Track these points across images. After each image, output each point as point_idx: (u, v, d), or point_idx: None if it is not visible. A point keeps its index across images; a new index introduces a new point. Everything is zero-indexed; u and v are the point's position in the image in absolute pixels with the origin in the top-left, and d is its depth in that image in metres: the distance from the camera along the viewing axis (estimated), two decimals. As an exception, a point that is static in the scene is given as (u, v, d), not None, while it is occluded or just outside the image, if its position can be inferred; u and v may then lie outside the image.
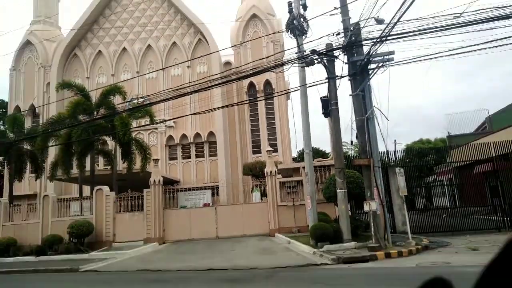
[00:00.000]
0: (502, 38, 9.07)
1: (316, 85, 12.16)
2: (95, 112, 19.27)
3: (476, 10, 9.54)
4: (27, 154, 21.61)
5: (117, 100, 20.59)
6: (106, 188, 17.49)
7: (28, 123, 28.46)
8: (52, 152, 21.83)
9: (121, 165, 20.73)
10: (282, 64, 12.97)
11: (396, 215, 13.69)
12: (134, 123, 21.23)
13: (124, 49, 29.75)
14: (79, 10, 31.58)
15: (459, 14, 9.72)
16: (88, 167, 19.49)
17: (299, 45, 12.77)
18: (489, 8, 9.31)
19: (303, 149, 13.40)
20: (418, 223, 14.33)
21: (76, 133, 17.82)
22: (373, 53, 11.11)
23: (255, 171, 22.07)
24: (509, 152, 14.56)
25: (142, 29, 29.80)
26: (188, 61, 28.06)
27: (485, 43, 9.46)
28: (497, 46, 9.32)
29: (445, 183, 18.80)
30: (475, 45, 9.64)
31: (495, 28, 9.44)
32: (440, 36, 10.11)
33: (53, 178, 20.63)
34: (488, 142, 15.47)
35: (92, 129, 17.96)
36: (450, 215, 15.19)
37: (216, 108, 17.95)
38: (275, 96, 25.59)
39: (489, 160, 14.52)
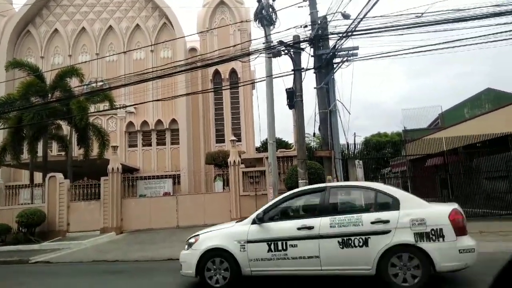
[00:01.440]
0: (460, 39, 9.51)
1: (282, 76, 12.16)
2: (50, 95, 18.17)
3: (437, 11, 9.92)
4: (-28, 136, 20.03)
5: (74, 82, 19.58)
6: (60, 175, 16.63)
7: (-27, 104, 26.33)
8: (0, 136, 20.39)
9: (77, 152, 19.81)
10: (249, 54, 12.82)
11: (354, 206, 14.16)
12: (92, 108, 20.28)
13: (83, 28, 28.21)
14: (33, -16, 29.38)
15: (420, 14, 10.06)
16: (40, 153, 18.42)
17: (267, 36, 12.68)
18: (449, 10, 9.71)
19: (266, 139, 13.45)
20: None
21: (27, 117, 16.70)
22: (339, 48, 11.25)
23: (218, 161, 21.93)
24: (458, 147, 15.47)
25: (103, 9, 28.35)
26: (151, 45, 27.12)
27: (444, 43, 9.88)
28: (455, 47, 9.78)
29: (399, 175, 19.70)
30: (434, 44, 10.05)
31: (454, 30, 9.89)
32: (402, 34, 10.44)
33: (1, 163, 19.30)
34: (440, 137, 16.34)
35: (46, 112, 16.91)
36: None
37: (180, 95, 17.50)
38: (240, 86, 25.44)
39: (440, 154, 15.33)
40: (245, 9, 28.91)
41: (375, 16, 10.67)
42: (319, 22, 11.56)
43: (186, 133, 26.03)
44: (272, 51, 12.29)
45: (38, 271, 9.93)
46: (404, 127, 26.57)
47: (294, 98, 12.08)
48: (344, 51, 11.34)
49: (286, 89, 12.23)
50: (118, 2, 28.48)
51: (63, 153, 21.38)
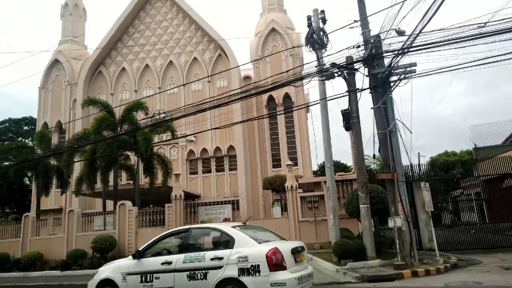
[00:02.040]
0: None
1: (336, 98, 12.01)
2: (119, 128, 19.72)
3: (502, 20, 9.28)
4: (54, 169, 22.25)
5: (139, 115, 21.05)
6: (128, 203, 17.71)
7: (55, 139, 29.42)
8: (78, 168, 22.39)
9: (143, 180, 21.01)
10: (302, 78, 12.92)
11: (422, 231, 13.21)
12: (156, 138, 21.60)
13: (147, 65, 30.56)
14: (104, 29, 32.81)
15: (483, 24, 9.48)
16: (111, 182, 19.85)
17: (319, 59, 12.72)
18: (514, 18, 9.04)
19: (323, 163, 13.21)
20: (446, 240, 13.77)
21: (100, 149, 18.25)
22: (395, 65, 10.94)
23: (275, 186, 21.91)
24: (542, 164, 13.90)
25: (164, 46, 30.57)
26: (208, 76, 28.50)
27: (510, 53, 9.17)
28: (525, 56, 9.01)
29: (472, 197, 18.07)
30: (500, 55, 9.35)
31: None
32: (464, 47, 9.87)
33: (78, 193, 21.14)
34: (518, 154, 14.84)
35: (116, 144, 18.35)
36: (479, 231, 14.53)
37: (236, 122, 18.00)
38: (294, 110, 25.53)
39: (521, 173, 13.89)
40: (296, 34, 29.37)
41: (433, 30, 10.19)
42: (372, 41, 11.37)
43: (243, 159, 26.52)
44: (325, 73, 12.26)
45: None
46: (475, 145, 24.60)
47: (350, 119, 11.85)
48: (401, 68, 10.96)
49: (341, 111, 12.05)
50: (177, 39, 30.55)
51: (131, 181, 22.83)
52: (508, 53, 9.11)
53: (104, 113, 20.00)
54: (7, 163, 24.40)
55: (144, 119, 20.09)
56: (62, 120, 30.97)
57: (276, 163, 27.57)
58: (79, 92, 30.17)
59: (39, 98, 32.36)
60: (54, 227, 21.00)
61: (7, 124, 39.92)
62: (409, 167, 14.24)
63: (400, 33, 10.66)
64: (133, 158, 23.35)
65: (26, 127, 40.27)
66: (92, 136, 19.19)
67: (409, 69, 10.87)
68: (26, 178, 31.82)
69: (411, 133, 11.04)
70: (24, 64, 36.85)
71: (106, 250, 15.98)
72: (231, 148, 27.71)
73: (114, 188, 19.67)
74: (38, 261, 16.64)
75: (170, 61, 30.23)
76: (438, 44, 10.00)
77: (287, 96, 27.85)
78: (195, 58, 29.89)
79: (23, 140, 37.71)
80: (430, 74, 10.71)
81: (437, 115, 75.47)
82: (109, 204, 20.67)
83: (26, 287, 13.04)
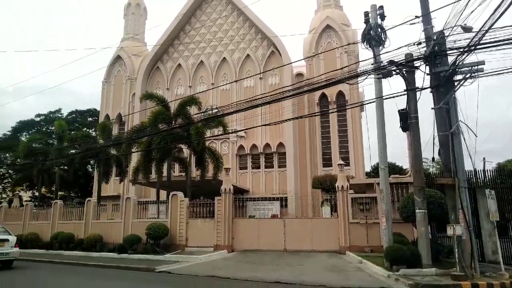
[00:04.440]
0: None
1: (393, 97, 11.51)
2: (173, 122, 20.52)
3: None
4: (113, 158, 23.72)
5: (193, 110, 21.73)
6: (180, 194, 18.39)
7: (115, 130, 31.39)
8: (135, 158, 23.67)
9: (194, 173, 21.71)
10: (357, 76, 12.53)
11: (485, 242, 12.27)
12: (207, 133, 22.20)
13: (201, 62, 31.45)
14: (163, 27, 34.24)
15: None
16: (165, 173, 20.74)
17: (376, 56, 12.25)
18: None
19: (377, 164, 12.76)
20: (512, 253, 12.69)
21: (155, 141, 19.14)
22: (460, 63, 10.25)
23: (325, 185, 21.57)
24: None
25: (218, 43, 31.24)
26: (260, 73, 28.69)
27: None
28: None
29: (545, 208, 16.41)
30: None
31: None
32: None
33: (134, 181, 22.35)
34: None
35: (170, 137, 19.11)
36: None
37: (287, 120, 17.93)
38: (348, 108, 24.88)
39: None
40: (352, 31, 28.57)
41: (504, 26, 9.39)
42: (434, 38, 10.75)
43: (292, 157, 26.40)
44: (382, 71, 11.81)
45: (162, 280, 11.03)
46: (548, 150, 22.34)
47: (408, 119, 11.33)
48: (467, 67, 10.27)
49: (398, 111, 11.54)
50: (231, 36, 31.07)
51: (183, 173, 23.69)
52: None
53: (160, 107, 20.90)
54: (74, 151, 26.47)
55: (197, 113, 20.70)
56: (122, 113, 32.92)
57: (327, 162, 27.11)
58: (138, 87, 31.86)
59: (102, 92, 34.65)
60: (113, 212, 22.44)
61: (73, 116, 43.16)
62: (473, 173, 13.29)
63: (467, 29, 9.94)
64: (185, 151, 24.20)
65: (90, 119, 43.29)
66: (149, 129, 20.15)
67: (476, 67, 10.15)
68: (89, 166, 34.22)
69: (476, 136, 10.27)
70: (89, 61, 39.56)
71: (159, 237, 16.77)
72: (280, 145, 27.71)
73: (167, 179, 20.54)
74: (98, 243, 17.88)
75: (224, 58, 30.84)
76: (510, 41, 9.21)
77: (340, 94, 27.25)
78: (248, 55, 30.21)
79: (87, 130, 40.58)
80: (500, 73, 9.92)
81: (507, 118, 69.55)
82: (162, 194, 21.61)
83: (88, 266, 14.08)
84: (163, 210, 19.11)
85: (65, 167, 28.88)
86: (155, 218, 19.04)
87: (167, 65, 32.66)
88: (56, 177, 26.65)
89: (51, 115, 41.99)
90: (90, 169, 35.18)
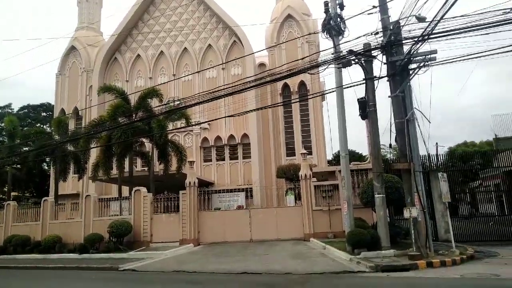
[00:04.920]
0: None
1: (352, 86, 11.78)
2: (134, 115, 19.88)
3: (529, 5, 8.86)
4: (71, 155, 22.68)
5: (154, 102, 21.15)
6: (143, 189, 17.95)
7: (72, 125, 29.96)
8: (94, 154, 22.77)
9: (158, 167, 21.25)
10: (318, 65, 12.69)
11: (438, 222, 13.03)
12: (170, 125, 21.72)
13: (162, 52, 30.58)
14: (120, 16, 32.87)
15: (509, 9, 9.09)
16: (127, 169, 20.13)
17: (336, 46, 12.46)
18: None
19: (338, 152, 13.08)
20: (462, 231, 13.57)
21: (116, 135, 18.48)
22: (414, 53, 10.64)
23: (289, 174, 21.87)
24: None
25: (179, 33, 30.49)
26: (223, 63, 28.36)
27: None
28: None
29: (491, 188, 17.66)
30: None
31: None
32: (488, 34, 9.50)
33: (94, 178, 21.52)
34: (541, 145, 14.37)
35: (131, 131, 18.52)
36: (497, 223, 14.25)
37: (250, 110, 17.91)
38: (309, 98, 25.24)
39: (543, 164, 13.47)
40: (313, 21, 28.87)
41: (455, 17, 9.83)
42: (391, 27, 11.06)
43: (257, 147, 26.49)
44: (342, 61, 12.02)
45: (127, 279, 10.75)
46: (496, 135, 23.93)
47: (366, 108, 11.64)
48: (421, 56, 10.68)
49: (358, 99, 11.84)
50: (192, 25, 30.40)
51: (146, 168, 23.11)
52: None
53: (120, 100, 20.17)
54: (27, 149, 25.02)
55: (158, 106, 20.18)
56: (78, 107, 31.43)
57: (290, 151, 27.48)
58: (95, 79, 30.49)
59: (56, 85, 32.87)
60: (72, 212, 21.55)
61: (26, 110, 40.77)
62: (427, 157, 13.99)
63: (421, 19, 10.32)
64: (148, 145, 23.60)
65: (44, 113, 41.07)
66: (108, 123, 19.41)
67: (429, 56, 10.57)
68: (45, 164, 32.57)
69: (430, 122, 10.80)
70: (43, 52, 37.26)
71: (122, 234, 16.32)
72: (245, 136, 27.70)
73: (129, 174, 19.96)
74: (57, 244, 17.10)
75: (185, 48, 30.17)
76: (460, 30, 9.66)
77: (302, 84, 27.57)
78: (209, 45, 29.74)
79: (42, 126, 38.51)
80: (451, 62, 10.38)
81: (458, 105, 73.70)
82: (125, 190, 21.01)
83: (47, 268, 13.46)
84: (126, 207, 18.58)
85: (18, 166, 27.26)
86: (117, 215, 18.48)
87: (125, 56, 31.48)
88: (8, 176, 25.10)
89: (0, 110, 39.39)
90: (46, 167, 33.49)
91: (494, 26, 9.30)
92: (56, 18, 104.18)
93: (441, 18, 9.33)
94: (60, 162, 22.28)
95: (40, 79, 76.27)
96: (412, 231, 10.05)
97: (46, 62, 35.86)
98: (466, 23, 9.59)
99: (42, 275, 12.41)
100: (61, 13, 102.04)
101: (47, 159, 27.24)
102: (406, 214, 10.25)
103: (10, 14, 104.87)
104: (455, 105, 73.00)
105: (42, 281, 11.07)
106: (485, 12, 9.38)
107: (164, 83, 27.55)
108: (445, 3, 8.93)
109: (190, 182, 17.64)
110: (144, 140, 22.08)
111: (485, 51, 9.51)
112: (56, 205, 20.19)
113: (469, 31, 9.57)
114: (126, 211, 18.26)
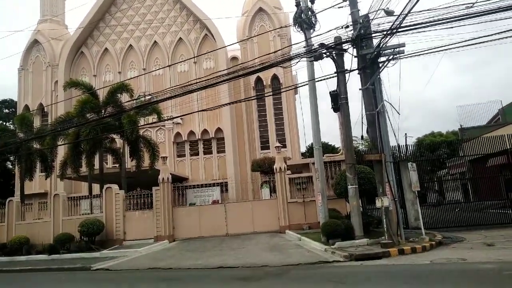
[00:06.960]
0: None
1: (325, 79, 11.91)
2: (103, 110, 19.26)
3: (489, 0, 9.23)
4: (37, 153, 21.73)
5: (124, 98, 20.57)
6: (115, 187, 17.51)
7: (37, 122, 28.68)
8: (62, 151, 21.94)
9: (129, 163, 20.76)
10: (290, 59, 12.74)
11: (409, 210, 13.48)
12: (141, 121, 21.22)
13: (131, 46, 29.74)
14: (85, 8, 31.57)
15: (471, 4, 9.43)
16: (97, 166, 19.54)
17: (307, 39, 12.54)
18: (504, -3, 9.00)
19: (312, 144, 13.24)
20: (431, 219, 14.10)
21: (84, 132, 17.86)
22: (383, 46, 10.86)
23: (264, 168, 21.95)
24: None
25: (148, 26, 29.73)
26: (194, 57, 27.95)
27: (498, 33, 9.17)
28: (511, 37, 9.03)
29: (457, 177, 18.48)
30: (488, 35, 9.35)
31: (509, 18, 9.15)
32: (452, 27, 9.84)
33: (62, 176, 20.76)
34: (502, 134, 15.12)
35: (100, 127, 17.96)
36: (463, 209, 14.92)
37: (223, 104, 17.80)
38: (282, 91, 25.36)
39: (504, 152, 14.18)
40: (284, 14, 28.90)
41: (421, 11, 10.12)
42: (360, 21, 11.23)
43: (231, 141, 26.38)
44: (313, 54, 12.11)
45: (100, 278, 10.47)
46: (460, 125, 25.02)
47: (338, 100, 11.80)
48: (390, 49, 10.92)
49: (330, 92, 11.98)
50: (162, 18, 29.71)
51: (117, 165, 22.53)
52: (496, 33, 9.12)
53: (87, 95, 19.45)
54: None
55: (129, 101, 19.61)
56: (43, 103, 30.12)
57: (265, 145, 27.56)
58: (60, 74, 29.26)
59: (18, 80, 31.29)
60: (40, 212, 20.77)
61: (-14, 107, 38.70)
62: (397, 148, 14.39)
63: (389, 13, 10.54)
64: (118, 141, 22.94)
65: (7, 110, 39.11)
66: (76, 119, 18.71)
67: (397, 49, 10.82)
68: (9, 162, 31.09)
69: (399, 114, 11.12)
70: (3, 45, 35.30)
71: (94, 233, 15.86)
72: (218, 130, 27.51)
73: (100, 172, 19.37)
74: (25, 246, 16.39)
75: (155, 42, 29.47)
76: (426, 24, 9.95)
77: (275, 78, 27.62)
78: (180, 38, 29.18)
79: (4, 123, 36.64)
80: (418, 54, 10.71)
81: (425, 97, 76.30)
82: (96, 188, 20.39)
83: (13, 271, 12.89)
84: (97, 205, 18.07)
85: (-21, 166, 25.90)
86: (88, 213, 17.94)
87: (92, 50, 30.38)
88: (-32, 177, 23.81)
89: (-42, 108, 37.21)
90: (10, 166, 31.99)
91: (458, 20, 9.64)
92: (17, 9, 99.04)
93: (409, 12, 9.57)
94: (25, 161, 21.32)
95: (1, 73, 72.49)
96: (384, 220, 10.34)
97: (7, 57, 34.08)
98: (433, 17, 9.91)
99: (4, 278, 11.89)
100: (22, 4, 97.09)
101: (12, 158, 25.99)
102: (378, 203, 10.52)
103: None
104: (422, 97, 75.55)
105: (3, 285, 10.59)
106: (450, 7, 9.70)
107: (134, 77, 26.87)
108: (412, -3, 9.14)
109: (163, 178, 17.36)
110: (114, 136, 21.46)
111: (449, 44, 9.87)
112: (23, 205, 19.37)
113: (435, 24, 9.87)
114: (98, 209, 17.76)
